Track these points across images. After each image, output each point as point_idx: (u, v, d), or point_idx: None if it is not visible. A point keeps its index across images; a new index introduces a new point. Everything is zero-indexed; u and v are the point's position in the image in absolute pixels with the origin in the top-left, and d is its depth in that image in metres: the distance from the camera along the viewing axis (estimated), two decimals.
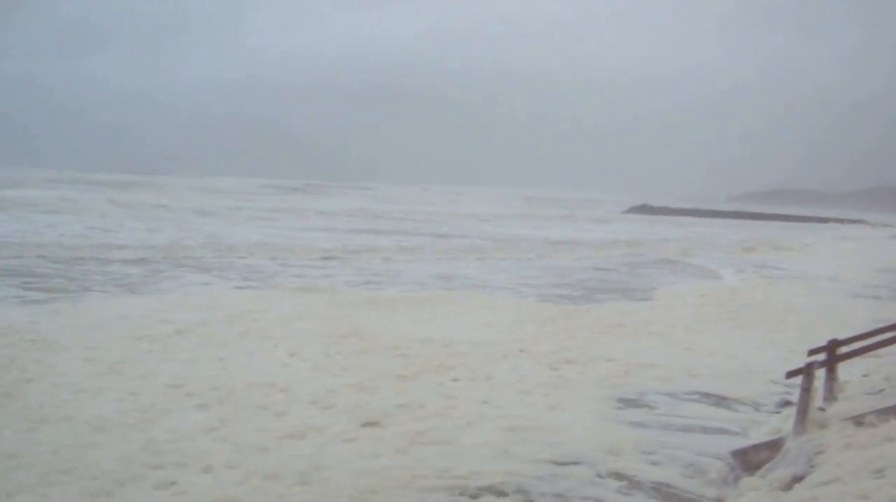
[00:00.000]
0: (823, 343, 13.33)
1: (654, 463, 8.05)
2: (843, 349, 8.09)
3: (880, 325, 16.20)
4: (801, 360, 12.13)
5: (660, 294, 21.24)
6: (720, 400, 10.51)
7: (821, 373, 7.79)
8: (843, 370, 8.99)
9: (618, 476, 7.70)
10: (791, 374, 7.78)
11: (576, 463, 8.00)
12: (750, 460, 7.08)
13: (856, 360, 9.45)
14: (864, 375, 10.14)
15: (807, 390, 7.05)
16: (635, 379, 11.50)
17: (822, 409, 7.32)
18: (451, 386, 10.71)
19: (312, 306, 16.63)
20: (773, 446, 7.01)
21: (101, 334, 12.85)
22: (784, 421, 7.76)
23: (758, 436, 8.17)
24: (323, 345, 12.83)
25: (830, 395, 7.69)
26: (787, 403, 9.55)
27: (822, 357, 7.92)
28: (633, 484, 7.52)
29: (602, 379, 11.42)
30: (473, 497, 7.11)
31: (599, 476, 7.70)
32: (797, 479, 6.14)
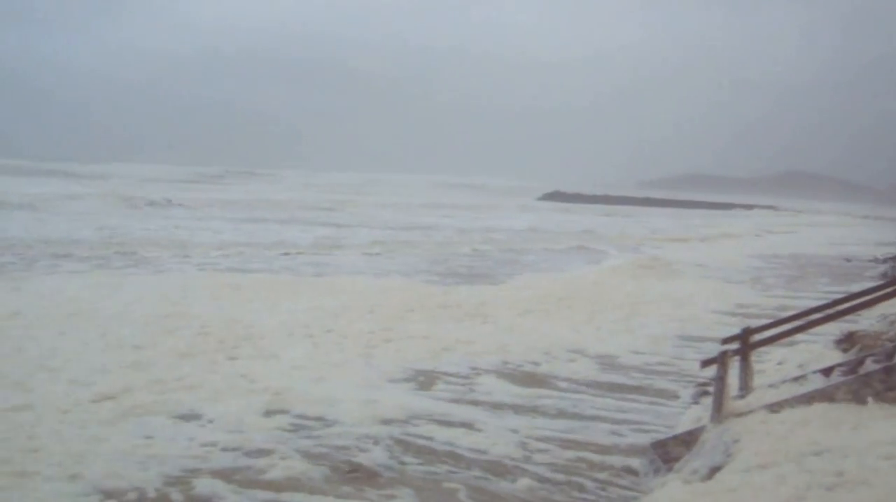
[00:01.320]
0: (652, 326, 14.64)
1: (412, 428, 9.13)
2: (757, 337, 8.43)
3: (726, 308, 17.49)
4: (612, 340, 14.20)
5: (516, 280, 22.45)
6: (518, 375, 11.75)
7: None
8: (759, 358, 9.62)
9: (367, 437, 8.73)
10: (705, 363, 8.10)
11: (328, 427, 9.01)
12: (670, 451, 7.34)
13: (770, 349, 9.98)
14: (779, 363, 10.61)
15: (721, 379, 7.35)
16: (448, 355, 12.62)
17: (738, 398, 7.63)
18: (224, 363, 11.50)
19: (158, 291, 17.48)
20: (693, 436, 7.29)
21: None
22: (704, 411, 8.06)
23: (679, 427, 8.49)
24: (137, 325, 13.56)
25: (746, 384, 8.01)
26: (704, 393, 9.91)
27: (735, 345, 8.23)
28: (378, 443, 8.55)
29: (410, 356, 12.45)
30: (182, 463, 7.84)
31: (352, 436, 8.73)
32: (715, 469, 6.39)
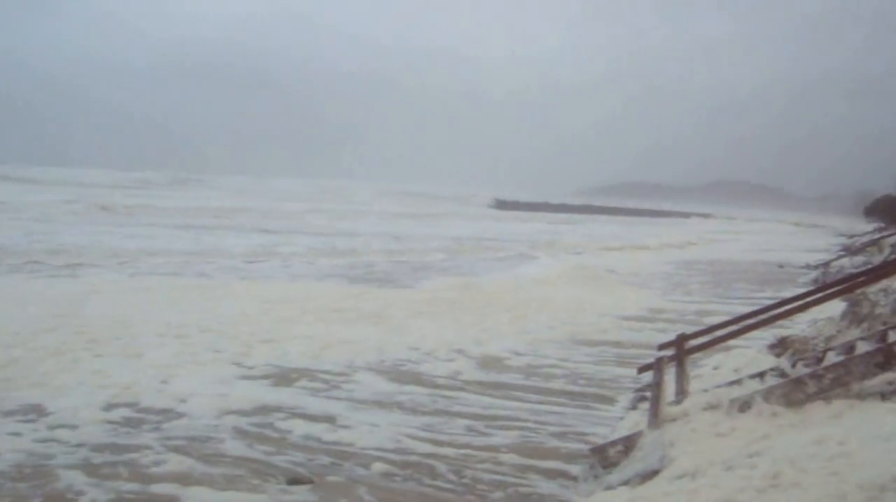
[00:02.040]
0: (544, 330, 15.09)
1: (267, 420, 9.53)
2: (692, 342, 8.55)
3: (634, 313, 17.82)
4: (497, 342, 14.56)
5: (424, 284, 22.69)
6: (394, 373, 12.16)
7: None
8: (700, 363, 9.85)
9: (215, 428, 9.14)
10: (642, 369, 8.20)
11: (172, 420, 9.37)
12: (608, 456, 7.41)
13: (707, 354, 10.18)
14: (715, 368, 10.78)
15: (658, 384, 7.45)
16: (327, 354, 13.01)
17: (675, 403, 7.73)
18: (86, 361, 11.80)
19: (63, 293, 17.70)
20: (630, 442, 7.37)
21: None
22: (643, 417, 8.15)
23: (617, 432, 8.57)
24: (22, 325, 13.75)
25: (682, 389, 8.11)
26: (642, 399, 10.01)
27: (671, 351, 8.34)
28: (226, 433, 8.95)
29: (287, 355, 12.84)
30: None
31: (197, 427, 9.10)
32: (652, 474, 6.47)
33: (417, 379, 11.83)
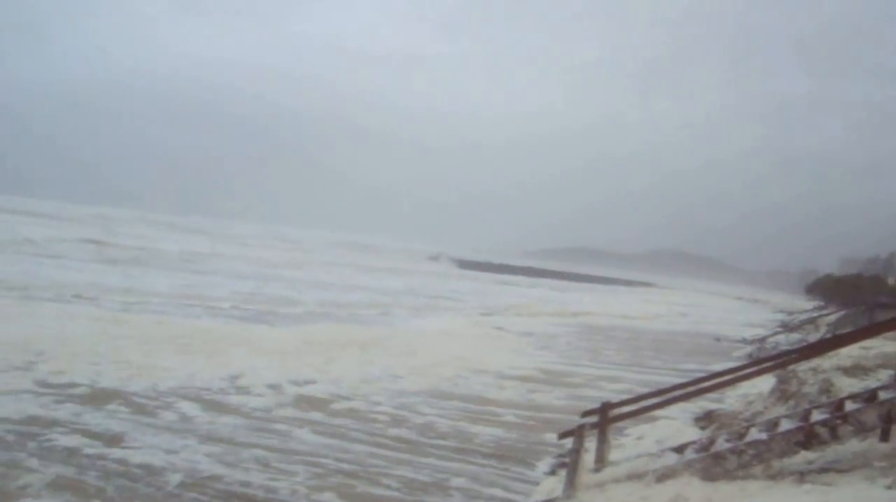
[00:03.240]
0: (391, 380, 15.20)
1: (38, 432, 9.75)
2: (616, 411, 8.56)
3: (516, 373, 17.48)
4: (326, 385, 14.45)
5: (302, 327, 22.40)
6: (200, 400, 12.34)
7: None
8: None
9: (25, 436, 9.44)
10: (563, 435, 8.17)
11: None
12: None
13: (631, 423, 10.18)
14: (639, 438, 10.80)
15: (577, 451, 7.43)
16: (140, 379, 13.29)
17: (594, 471, 7.70)
18: None
19: None
20: None
21: None
22: (560, 483, 8.09)
23: (532, 498, 8.50)
24: None
25: (602, 457, 8.10)
26: (561, 465, 9.97)
27: (594, 419, 8.33)
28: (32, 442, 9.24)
29: (98, 376, 13.07)
30: None
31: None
32: None
33: (221, 409, 11.95)
